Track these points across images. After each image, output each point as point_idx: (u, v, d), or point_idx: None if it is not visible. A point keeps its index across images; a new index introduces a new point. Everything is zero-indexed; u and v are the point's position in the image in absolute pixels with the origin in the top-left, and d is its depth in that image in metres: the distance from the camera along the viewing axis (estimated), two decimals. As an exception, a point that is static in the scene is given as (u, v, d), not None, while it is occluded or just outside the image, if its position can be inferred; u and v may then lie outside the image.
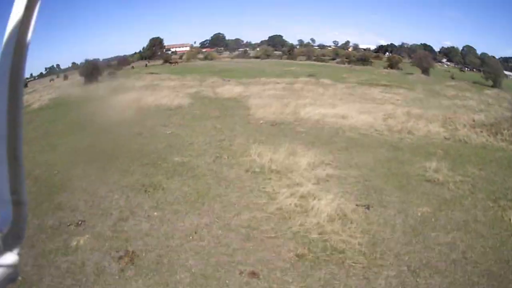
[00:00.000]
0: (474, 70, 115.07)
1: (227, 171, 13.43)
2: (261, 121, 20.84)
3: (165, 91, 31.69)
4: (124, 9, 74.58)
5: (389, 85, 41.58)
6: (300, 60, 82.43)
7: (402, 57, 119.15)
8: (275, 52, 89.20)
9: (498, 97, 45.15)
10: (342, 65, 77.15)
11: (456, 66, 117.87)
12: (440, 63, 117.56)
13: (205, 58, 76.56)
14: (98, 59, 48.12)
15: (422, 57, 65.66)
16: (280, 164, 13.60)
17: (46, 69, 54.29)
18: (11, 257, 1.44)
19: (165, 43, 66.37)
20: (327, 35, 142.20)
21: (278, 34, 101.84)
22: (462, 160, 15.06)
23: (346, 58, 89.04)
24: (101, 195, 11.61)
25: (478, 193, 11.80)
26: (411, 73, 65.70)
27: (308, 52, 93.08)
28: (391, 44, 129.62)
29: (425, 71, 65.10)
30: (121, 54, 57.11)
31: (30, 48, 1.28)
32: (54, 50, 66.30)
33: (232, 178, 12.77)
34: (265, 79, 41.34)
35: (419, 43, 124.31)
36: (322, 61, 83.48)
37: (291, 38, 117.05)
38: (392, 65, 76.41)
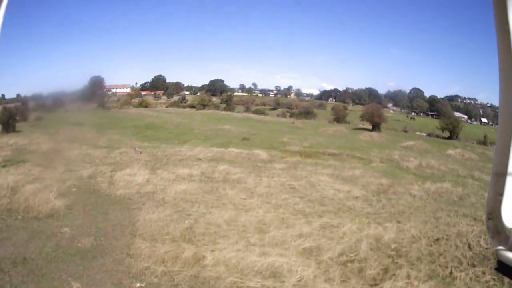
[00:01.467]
0: (422, 114, 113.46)
1: None
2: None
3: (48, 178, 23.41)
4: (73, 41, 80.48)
5: (339, 155, 36.01)
6: (238, 112, 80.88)
7: (347, 103, 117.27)
8: (214, 97, 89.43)
9: (464, 160, 41.28)
10: (284, 119, 73.17)
11: (403, 111, 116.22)
12: (386, 108, 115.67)
13: (140, 104, 74.58)
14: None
15: (374, 111, 61.16)
16: None
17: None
18: None
19: (108, 82, 66.62)
20: (269, 78, 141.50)
21: (219, 78, 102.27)
22: None
23: (288, 109, 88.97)
24: None
25: None
26: (359, 128, 62.47)
27: (247, 101, 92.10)
28: (335, 89, 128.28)
29: (377, 126, 60.44)
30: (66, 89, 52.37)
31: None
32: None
33: None
34: (186, 149, 34.55)
35: (364, 88, 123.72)
36: (262, 113, 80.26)
37: (233, 82, 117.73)
38: (338, 118, 72.30)
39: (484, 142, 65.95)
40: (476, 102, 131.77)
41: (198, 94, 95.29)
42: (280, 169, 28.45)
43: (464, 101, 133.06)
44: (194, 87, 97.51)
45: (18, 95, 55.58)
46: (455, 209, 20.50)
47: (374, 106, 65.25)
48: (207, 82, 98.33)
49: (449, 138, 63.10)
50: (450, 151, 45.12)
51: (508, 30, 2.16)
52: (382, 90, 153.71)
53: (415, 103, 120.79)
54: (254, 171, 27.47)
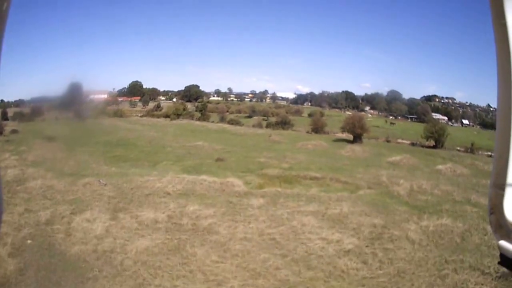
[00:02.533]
0: (400, 117, 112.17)
1: None
2: None
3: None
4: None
5: (322, 179, 33.55)
6: (213, 121, 79.30)
7: (323, 107, 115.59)
8: (190, 103, 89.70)
9: (456, 177, 39.18)
10: (260, 130, 70.62)
11: (380, 114, 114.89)
12: (363, 112, 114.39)
13: (115, 114, 73.43)
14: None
15: (356, 122, 59.59)
16: None
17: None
18: None
19: (86, 87, 61.60)
20: (245, 81, 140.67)
21: (194, 84, 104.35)
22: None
23: (264, 117, 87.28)
24: None
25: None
26: (340, 140, 59.96)
27: (222, 110, 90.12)
28: (311, 92, 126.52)
29: (358, 137, 58.53)
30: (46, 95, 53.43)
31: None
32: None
33: None
34: (155, 178, 31.15)
35: (340, 91, 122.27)
36: (237, 123, 78.82)
37: (209, 86, 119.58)
38: (316, 129, 69.67)
39: (471, 149, 64.68)
40: (454, 101, 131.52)
41: (174, 99, 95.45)
42: (257, 207, 25.19)
43: (442, 101, 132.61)
44: (170, 91, 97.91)
45: (1, 100, 55.82)
46: (461, 258, 18.19)
47: (356, 117, 63.23)
48: (183, 88, 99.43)
49: (434, 147, 61.84)
50: (439, 166, 43.26)
51: (505, 24, 2.15)
52: (358, 91, 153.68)
53: (394, 106, 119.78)
54: (228, 211, 24.32)
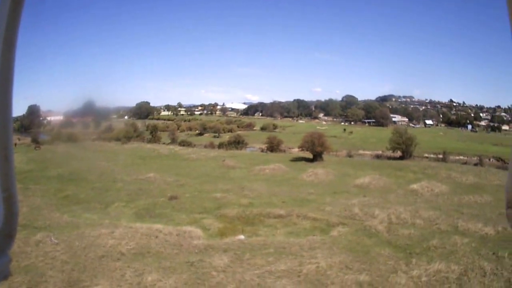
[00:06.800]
0: (356, 122, 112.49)
1: None
2: None
3: None
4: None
5: (288, 217, 31.90)
6: (164, 143, 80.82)
7: (275, 117, 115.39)
8: (140, 120, 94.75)
9: (435, 198, 38.88)
10: (212, 152, 69.60)
11: (335, 120, 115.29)
12: (317, 120, 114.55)
13: (68, 139, 73.41)
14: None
15: (314, 140, 58.80)
16: None
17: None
18: (2, 257, 1.82)
19: (43, 108, 74.29)
20: (194, 94, 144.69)
21: (145, 100, 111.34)
22: None
23: (215, 134, 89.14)
24: None
25: None
26: (299, 159, 58.82)
27: (173, 130, 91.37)
28: (261, 102, 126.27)
29: (319, 155, 58.03)
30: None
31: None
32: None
33: None
34: (107, 232, 28.84)
35: (291, 100, 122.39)
36: (188, 144, 79.75)
37: (160, 100, 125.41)
38: (272, 147, 68.97)
39: (443, 158, 64.78)
40: (413, 99, 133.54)
41: (125, 117, 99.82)
42: (222, 269, 22.27)
43: (399, 100, 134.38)
44: (122, 108, 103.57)
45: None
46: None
47: (315, 135, 61.37)
48: (134, 104, 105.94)
49: (401, 157, 61.79)
50: (414, 186, 42.42)
51: None
52: (309, 97, 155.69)
53: (350, 111, 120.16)
54: (190, 279, 21.15)
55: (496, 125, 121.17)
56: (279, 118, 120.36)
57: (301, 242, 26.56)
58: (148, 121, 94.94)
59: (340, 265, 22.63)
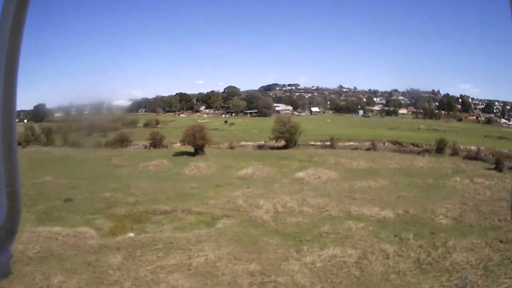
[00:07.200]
0: (234, 114, 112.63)
1: None
2: None
3: None
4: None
5: (173, 213, 32.06)
6: (57, 146, 78.99)
7: (157, 112, 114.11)
8: (38, 123, 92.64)
9: (325, 186, 39.53)
10: (100, 151, 69.07)
11: (216, 112, 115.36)
12: (199, 113, 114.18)
13: None
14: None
15: (196, 133, 58.48)
16: None
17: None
18: (4, 253, 1.81)
19: None
20: (84, 93, 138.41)
21: (41, 103, 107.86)
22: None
23: (103, 133, 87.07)
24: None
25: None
26: (181, 153, 58.37)
27: (65, 131, 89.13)
28: (145, 98, 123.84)
29: (200, 149, 57.77)
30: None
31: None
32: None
33: None
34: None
35: (174, 93, 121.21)
36: (78, 145, 78.24)
37: (55, 101, 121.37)
38: (155, 143, 69.32)
39: (331, 144, 65.45)
40: (298, 87, 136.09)
41: (25, 121, 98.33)
42: (117, 267, 22.68)
43: (284, 89, 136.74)
44: (22, 111, 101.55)
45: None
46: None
47: (196, 127, 61.28)
48: (32, 107, 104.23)
49: (285, 147, 62.75)
50: (299, 174, 43.08)
51: None
52: (192, 90, 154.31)
53: (231, 103, 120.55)
54: (91, 279, 21.58)
55: (392, 109, 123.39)
56: (162, 113, 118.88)
57: (188, 236, 26.84)
58: (44, 124, 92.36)
59: (228, 256, 22.77)
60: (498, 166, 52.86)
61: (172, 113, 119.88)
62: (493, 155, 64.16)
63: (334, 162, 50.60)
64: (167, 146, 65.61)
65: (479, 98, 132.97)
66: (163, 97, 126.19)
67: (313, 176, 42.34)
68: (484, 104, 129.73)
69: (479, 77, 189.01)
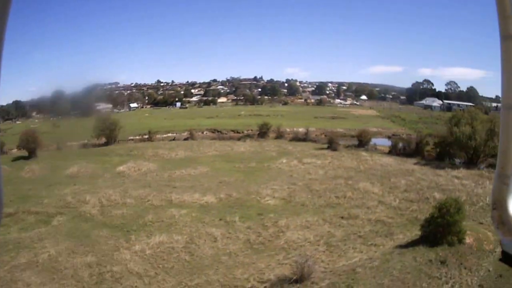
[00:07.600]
0: (60, 117, 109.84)
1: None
2: None
3: None
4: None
5: (16, 214, 32.34)
6: None
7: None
8: None
9: (146, 177, 41.82)
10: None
11: (45, 116, 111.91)
12: (31, 119, 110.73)
13: None
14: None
15: (29, 137, 58.32)
16: None
17: None
18: None
19: None
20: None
21: None
22: None
23: None
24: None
25: None
26: (17, 158, 55.39)
27: None
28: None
29: (33, 152, 56.80)
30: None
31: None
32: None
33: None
34: None
35: (11, 102, 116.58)
36: None
37: None
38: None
39: (149, 138, 67.58)
40: (118, 85, 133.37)
41: None
42: None
43: (104, 88, 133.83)
44: None
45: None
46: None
47: (29, 133, 60.95)
48: None
49: (106, 143, 64.47)
50: (120, 168, 45.35)
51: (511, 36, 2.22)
52: (27, 97, 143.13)
53: (57, 106, 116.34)
54: None
55: (210, 98, 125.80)
56: (1, 122, 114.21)
57: (31, 235, 27.92)
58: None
59: (67, 251, 24.82)
60: (331, 146, 55.53)
61: (11, 121, 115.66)
62: (325, 135, 65.71)
63: (152, 154, 52.70)
64: (7, 152, 62.97)
65: (310, 81, 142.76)
66: (2, 106, 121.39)
67: (133, 168, 44.52)
68: (315, 87, 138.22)
69: (307, 60, 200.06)
